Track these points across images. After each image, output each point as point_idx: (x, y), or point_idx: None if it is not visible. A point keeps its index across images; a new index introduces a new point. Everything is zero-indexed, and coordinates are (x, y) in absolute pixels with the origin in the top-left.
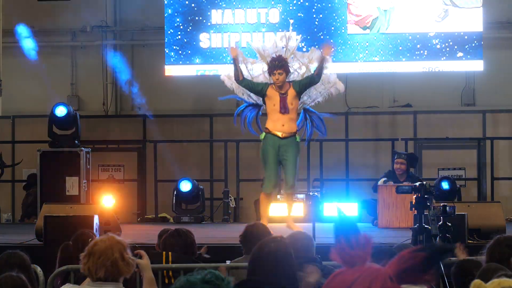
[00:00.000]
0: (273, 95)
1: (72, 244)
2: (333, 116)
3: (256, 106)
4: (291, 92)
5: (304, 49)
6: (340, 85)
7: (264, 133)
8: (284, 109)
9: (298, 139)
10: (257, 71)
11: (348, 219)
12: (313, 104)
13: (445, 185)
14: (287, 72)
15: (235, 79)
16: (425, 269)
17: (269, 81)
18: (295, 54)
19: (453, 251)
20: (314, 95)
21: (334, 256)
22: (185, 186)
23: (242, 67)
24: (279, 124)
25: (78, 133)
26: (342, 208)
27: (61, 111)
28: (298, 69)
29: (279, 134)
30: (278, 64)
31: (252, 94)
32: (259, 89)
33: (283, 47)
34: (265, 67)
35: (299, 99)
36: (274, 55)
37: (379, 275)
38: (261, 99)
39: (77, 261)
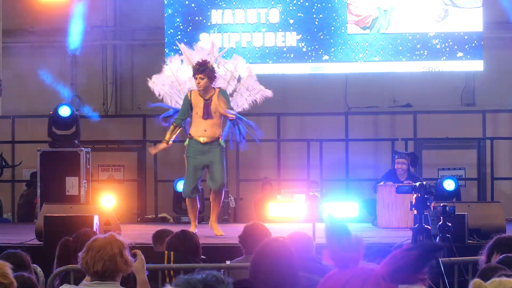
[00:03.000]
0: (197, 102)
1: (72, 241)
2: (254, 125)
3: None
4: (215, 100)
5: (304, 49)
6: (267, 92)
7: (187, 139)
8: (207, 115)
9: (222, 143)
10: (183, 77)
11: (339, 222)
12: (239, 110)
13: (448, 186)
14: (210, 77)
15: (178, 127)
16: (418, 268)
17: (194, 87)
18: (219, 61)
19: (444, 248)
20: (241, 102)
21: (327, 258)
22: (180, 186)
23: (169, 72)
24: (201, 130)
25: (79, 133)
26: (332, 211)
27: (65, 111)
28: (224, 76)
29: (201, 139)
30: (199, 69)
31: (179, 101)
32: (186, 108)
33: (208, 53)
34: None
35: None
36: (199, 60)
37: (371, 275)
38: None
39: (75, 259)
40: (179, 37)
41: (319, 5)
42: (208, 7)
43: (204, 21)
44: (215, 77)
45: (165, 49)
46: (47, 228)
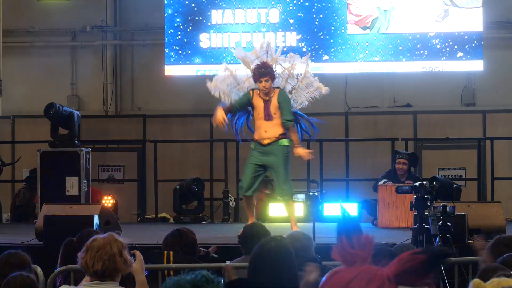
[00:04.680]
0: (258, 104)
1: (76, 241)
2: (321, 121)
3: (246, 111)
4: (275, 101)
5: (304, 49)
6: (324, 89)
7: (253, 142)
8: (268, 116)
9: (284, 143)
10: (242, 77)
11: (352, 219)
12: (299, 107)
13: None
14: (273, 78)
15: (229, 112)
16: (425, 272)
17: (253, 86)
18: (277, 60)
19: (453, 255)
20: (300, 100)
21: (335, 255)
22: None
23: (229, 76)
24: (262, 131)
25: (74, 133)
26: (346, 207)
27: (50, 111)
28: (282, 74)
29: (262, 141)
30: (264, 72)
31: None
32: (245, 102)
33: (264, 53)
34: (249, 73)
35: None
36: (258, 62)
37: (377, 275)
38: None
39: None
40: (179, 37)
41: (319, 5)
42: (208, 7)
43: (204, 21)
44: (275, 77)
45: (165, 49)
46: (47, 228)
